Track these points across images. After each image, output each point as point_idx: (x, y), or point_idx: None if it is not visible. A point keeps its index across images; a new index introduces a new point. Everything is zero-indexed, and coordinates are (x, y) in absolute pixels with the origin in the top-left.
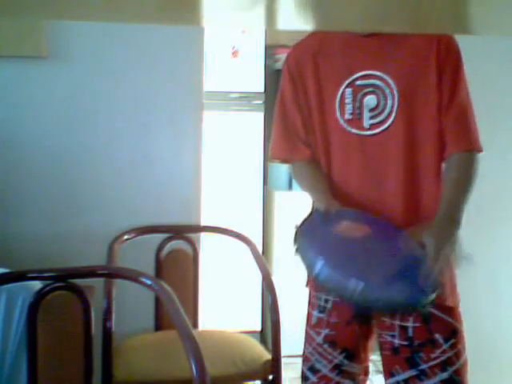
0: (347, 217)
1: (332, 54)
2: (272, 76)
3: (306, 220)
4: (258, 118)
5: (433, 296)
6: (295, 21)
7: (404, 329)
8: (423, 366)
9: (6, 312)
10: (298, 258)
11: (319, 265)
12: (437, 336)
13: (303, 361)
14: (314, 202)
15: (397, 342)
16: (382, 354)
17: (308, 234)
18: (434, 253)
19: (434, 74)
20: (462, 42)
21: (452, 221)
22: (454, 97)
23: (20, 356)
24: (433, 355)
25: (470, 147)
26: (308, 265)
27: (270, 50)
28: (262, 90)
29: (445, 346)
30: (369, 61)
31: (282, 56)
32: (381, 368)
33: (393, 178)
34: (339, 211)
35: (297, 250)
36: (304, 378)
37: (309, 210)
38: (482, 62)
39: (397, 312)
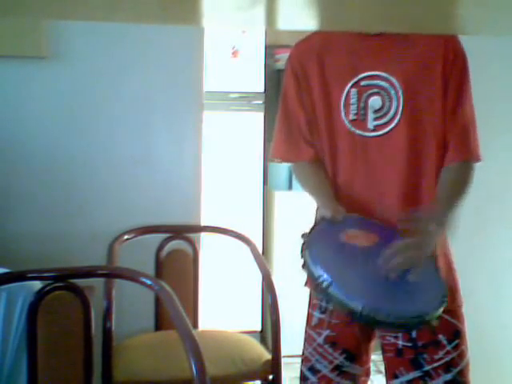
0: (354, 224)
1: (337, 53)
2: (272, 76)
3: (312, 230)
4: (258, 118)
5: (441, 309)
6: (295, 21)
7: None
8: (427, 368)
9: (5, 312)
10: (305, 273)
11: (327, 283)
12: (440, 337)
13: (302, 361)
14: (318, 207)
15: (400, 343)
16: (384, 356)
17: (315, 248)
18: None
19: (440, 79)
20: (462, 42)
21: (441, 219)
22: (459, 105)
23: (20, 356)
24: (436, 356)
25: (471, 157)
26: (315, 281)
27: (269, 50)
28: (262, 90)
29: (448, 347)
30: (374, 61)
31: (282, 56)
32: (381, 368)
33: (393, 179)
34: (346, 218)
35: (303, 266)
36: (303, 378)
37: (314, 218)
38: (482, 62)
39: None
